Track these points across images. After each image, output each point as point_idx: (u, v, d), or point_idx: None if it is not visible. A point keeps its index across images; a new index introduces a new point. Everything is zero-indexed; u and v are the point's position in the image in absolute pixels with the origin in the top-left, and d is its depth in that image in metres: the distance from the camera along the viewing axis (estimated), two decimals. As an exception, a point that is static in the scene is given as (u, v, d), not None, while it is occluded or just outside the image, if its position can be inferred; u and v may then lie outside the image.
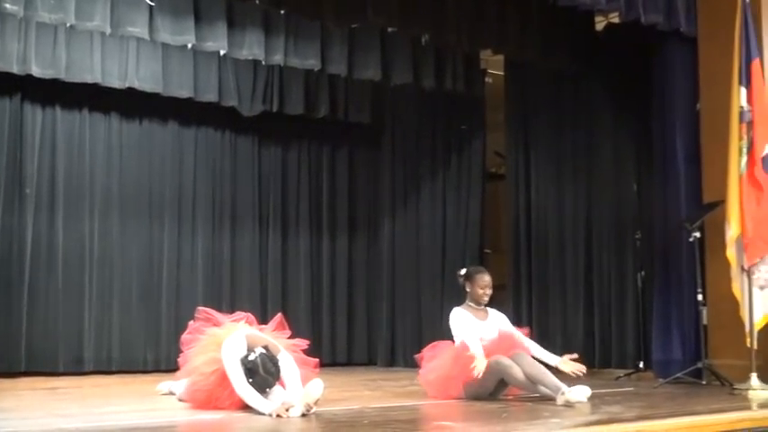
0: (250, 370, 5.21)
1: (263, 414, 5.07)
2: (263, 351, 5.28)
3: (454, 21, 7.76)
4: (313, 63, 8.53)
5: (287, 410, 5.02)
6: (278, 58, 8.40)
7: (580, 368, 6.06)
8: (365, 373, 8.99)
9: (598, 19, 8.57)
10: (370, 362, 10.36)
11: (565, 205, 8.89)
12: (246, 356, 5.25)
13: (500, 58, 9.42)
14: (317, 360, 5.89)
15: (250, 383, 5.20)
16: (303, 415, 5.03)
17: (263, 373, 5.21)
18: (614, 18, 8.14)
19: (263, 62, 8.62)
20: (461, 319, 6.23)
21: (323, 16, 7.66)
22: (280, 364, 5.32)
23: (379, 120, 10.56)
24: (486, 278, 6.35)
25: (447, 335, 6.36)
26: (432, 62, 8.92)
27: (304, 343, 5.85)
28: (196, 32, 7.83)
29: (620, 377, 7.77)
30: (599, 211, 8.64)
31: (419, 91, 9.50)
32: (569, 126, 8.94)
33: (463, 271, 6.50)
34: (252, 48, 8.16)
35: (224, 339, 5.42)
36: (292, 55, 8.43)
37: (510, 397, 6.07)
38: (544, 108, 9.17)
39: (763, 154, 6.72)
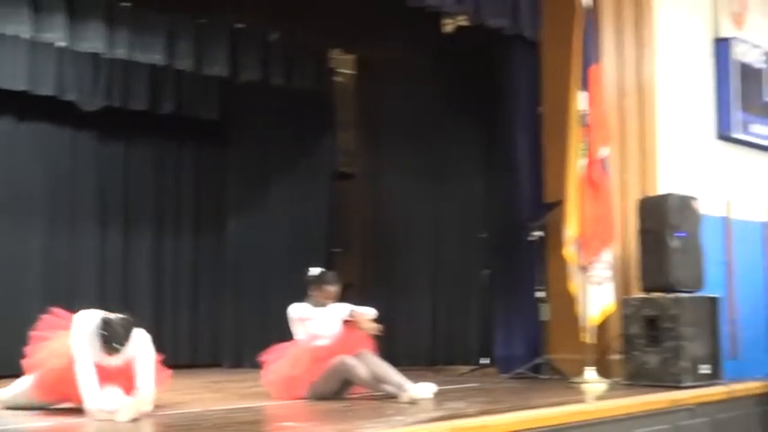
0: (103, 321, 5.03)
1: (88, 406, 4.90)
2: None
3: (303, 19, 7.73)
4: (158, 58, 8.31)
5: (113, 413, 4.82)
6: (121, 52, 8.14)
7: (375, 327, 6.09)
8: (209, 375, 8.81)
9: (448, 21, 8.69)
10: (214, 363, 10.16)
11: (413, 205, 8.99)
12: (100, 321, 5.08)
13: (351, 56, 9.45)
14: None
15: (100, 334, 5.00)
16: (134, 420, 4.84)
17: (116, 326, 5.03)
18: (463, 21, 8.27)
19: (106, 55, 8.34)
20: (300, 312, 6.20)
21: (169, 10, 7.48)
22: (137, 345, 5.14)
23: (228, 117, 10.39)
24: (332, 289, 6.31)
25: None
26: (281, 59, 8.85)
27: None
28: (33, 23, 7.49)
29: (463, 373, 7.90)
30: (446, 211, 8.78)
31: (269, 88, 9.40)
32: (418, 126, 9.04)
33: (314, 272, 6.44)
34: (94, 41, 7.88)
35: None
36: (137, 49, 8.18)
37: (355, 396, 6.06)
38: (394, 108, 9.24)
39: (601, 156, 6.98)
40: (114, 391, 5.09)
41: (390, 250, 9.05)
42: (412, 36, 8.33)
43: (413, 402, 5.56)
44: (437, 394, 5.77)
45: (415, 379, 5.87)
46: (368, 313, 6.18)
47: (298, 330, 6.22)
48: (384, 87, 9.34)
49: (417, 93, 9.06)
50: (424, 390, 5.69)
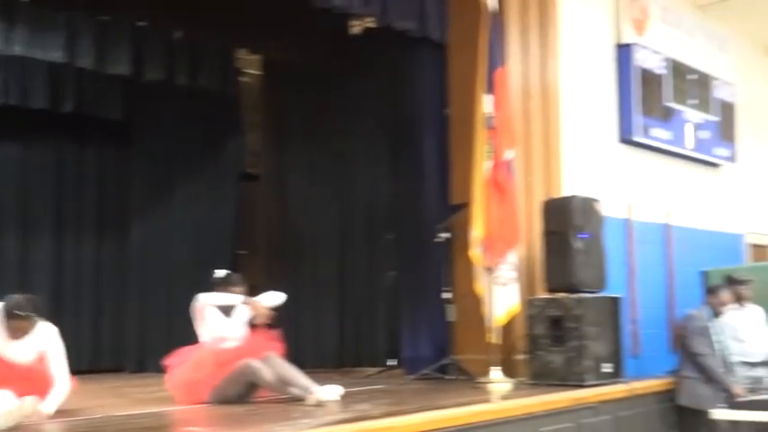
0: (4, 299, 5.00)
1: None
2: None
3: (209, 18, 7.62)
4: (58, 56, 8.09)
5: None
6: (19, 49, 7.89)
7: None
8: (112, 381, 8.61)
9: (355, 22, 8.68)
10: (117, 368, 9.93)
11: (319, 206, 8.96)
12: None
13: (258, 57, 9.36)
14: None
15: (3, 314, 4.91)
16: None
17: (18, 299, 5.07)
18: (370, 23, 8.26)
19: (2, 53, 8.07)
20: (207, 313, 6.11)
21: (69, 7, 7.28)
22: (47, 339, 5.05)
23: (133, 117, 10.18)
24: (237, 291, 6.22)
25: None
26: (185, 59, 8.71)
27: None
28: None
29: (370, 375, 7.88)
30: (353, 213, 8.76)
31: (174, 88, 9.23)
32: (326, 127, 9.01)
33: (220, 274, 6.34)
34: (-11, 37, 7.64)
35: None
36: (35, 46, 7.95)
37: (261, 399, 5.98)
38: (301, 109, 9.18)
39: (506, 158, 7.04)
40: (4, 394, 4.90)
41: (296, 252, 8.99)
42: (319, 37, 8.28)
43: (319, 405, 5.53)
44: (343, 396, 5.74)
45: (322, 381, 5.84)
46: (265, 300, 6.12)
47: (203, 332, 6.11)
48: (291, 88, 9.27)
49: (324, 94, 9.02)
50: (331, 392, 5.65)
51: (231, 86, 9.44)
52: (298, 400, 5.71)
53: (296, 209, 9.07)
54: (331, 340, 8.50)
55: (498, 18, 7.30)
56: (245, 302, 6.10)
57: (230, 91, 9.44)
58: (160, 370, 6.27)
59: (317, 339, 8.54)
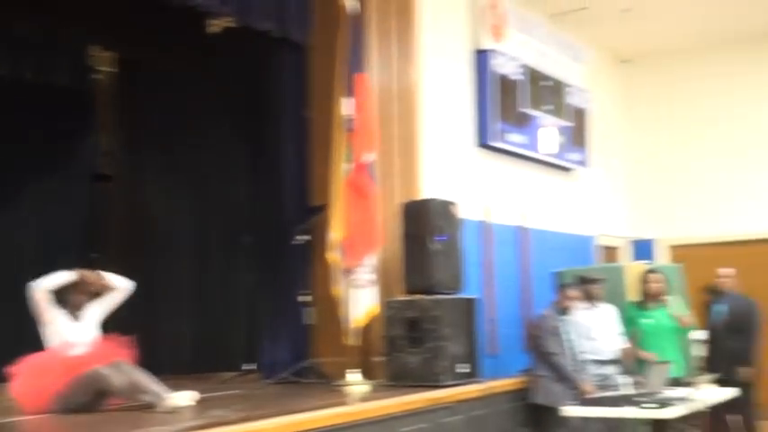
0: None
1: None
2: None
3: (58, 12, 7.32)
4: None
5: None
6: None
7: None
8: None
9: (214, 21, 8.51)
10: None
11: (177, 208, 8.76)
12: None
13: (112, 54, 9.05)
14: None
15: None
16: None
17: None
18: (229, 22, 8.12)
19: None
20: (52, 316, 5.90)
21: None
22: None
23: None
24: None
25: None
26: (33, 53, 8.33)
27: None
28: None
29: (227, 380, 7.75)
30: (211, 215, 8.61)
31: (22, 84, 8.82)
32: (182, 128, 8.81)
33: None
34: None
35: None
36: None
37: (112, 407, 5.79)
38: (157, 108, 8.95)
39: (365, 161, 7.06)
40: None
41: (152, 256, 8.76)
42: (176, 36, 8.09)
43: (172, 411, 5.39)
44: (198, 402, 5.62)
45: (177, 387, 5.69)
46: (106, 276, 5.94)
47: (50, 337, 5.88)
48: (147, 87, 9.03)
49: (182, 94, 8.82)
50: (184, 398, 5.53)
51: (84, 84, 9.09)
52: (150, 407, 5.55)
53: (151, 211, 8.84)
54: (188, 345, 8.33)
55: (358, 21, 7.30)
56: (78, 275, 5.92)
57: (82, 88, 9.10)
58: (3, 378, 5.99)
59: (173, 344, 8.34)
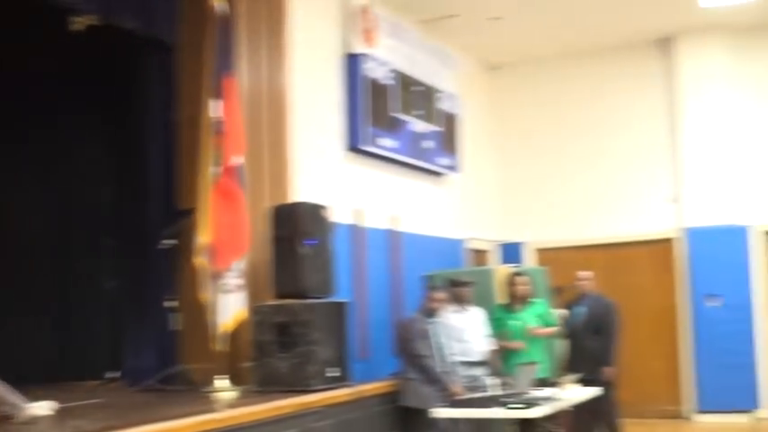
0: None
1: None
2: None
3: None
4: None
5: None
6: None
7: None
8: None
9: (78, 19, 8.25)
10: None
11: (35, 211, 8.43)
12: None
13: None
14: None
15: None
16: None
17: None
18: (94, 20, 7.88)
19: None
20: None
21: None
22: None
23: None
24: None
25: None
26: None
27: None
28: None
29: (89, 388, 7.51)
30: (73, 218, 8.33)
31: None
32: (46, 127, 8.49)
33: None
34: None
35: None
36: None
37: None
38: (16, 108, 8.59)
39: (234, 164, 6.96)
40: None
41: (8, 260, 8.41)
42: (38, 32, 7.80)
43: (31, 422, 5.18)
44: (58, 412, 5.42)
45: (36, 397, 5.47)
46: None
47: None
48: (7, 85, 8.67)
49: (45, 93, 8.51)
50: (43, 408, 5.33)
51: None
52: (6, 418, 5.32)
53: (8, 214, 8.48)
54: (47, 353, 8.02)
55: (228, 22, 7.20)
56: None
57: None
58: None
59: (32, 352, 8.02)
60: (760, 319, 10.89)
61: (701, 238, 11.05)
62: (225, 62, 7.08)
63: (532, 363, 7.50)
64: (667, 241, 11.37)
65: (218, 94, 6.98)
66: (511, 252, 11.73)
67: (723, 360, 10.73)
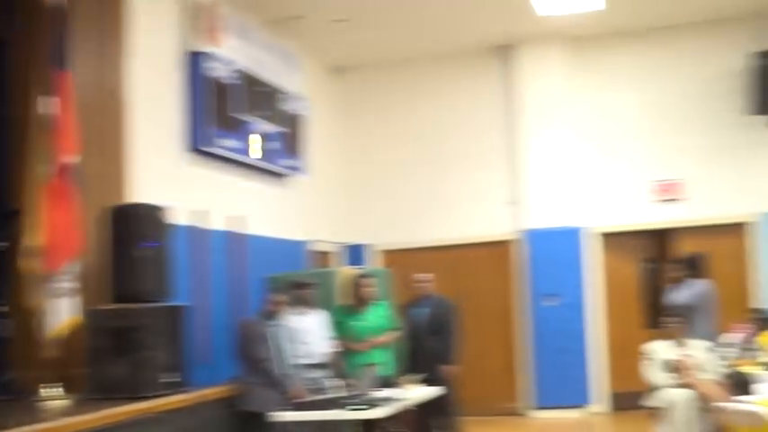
0: None
1: None
2: None
3: None
4: None
5: None
6: None
7: None
8: None
9: None
10: None
11: None
12: None
13: None
14: None
15: None
16: None
17: None
18: None
19: None
20: None
21: None
22: None
23: None
24: None
25: None
26: None
27: None
28: None
29: None
30: None
31: None
32: None
33: None
34: None
35: None
36: None
37: None
38: None
39: (66, 164, 6.69)
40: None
41: None
42: None
43: None
44: None
45: None
46: None
47: None
48: None
49: None
50: None
51: None
52: None
53: None
54: None
55: (62, 15, 6.91)
56: None
57: None
58: None
59: None
60: (592, 318, 11.34)
61: (538, 239, 11.42)
62: (58, 57, 6.79)
63: (374, 364, 7.56)
64: (506, 243, 11.70)
65: (50, 90, 6.70)
66: (356, 254, 11.81)
67: (559, 358, 11.13)
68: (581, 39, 11.38)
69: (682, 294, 8.41)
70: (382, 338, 8.25)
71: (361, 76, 12.21)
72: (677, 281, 8.63)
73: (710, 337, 7.80)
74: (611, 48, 11.53)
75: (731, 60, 10.95)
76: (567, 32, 11.26)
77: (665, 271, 9.02)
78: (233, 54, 9.08)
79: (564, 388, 11.15)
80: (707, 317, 8.20)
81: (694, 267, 8.61)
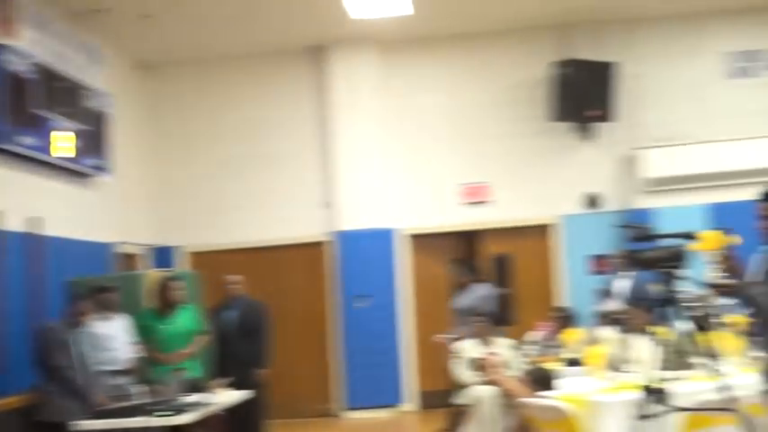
0: None
1: None
2: None
3: None
4: None
5: None
6: None
7: None
8: None
9: None
10: None
11: None
12: None
13: None
14: None
15: None
16: None
17: None
18: None
19: None
20: None
21: None
22: None
23: None
24: None
25: None
26: None
27: None
28: None
29: None
30: None
31: None
32: None
33: None
34: None
35: None
36: None
37: None
38: None
39: None
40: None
41: None
42: None
43: None
44: None
45: None
46: None
47: None
48: None
49: None
50: None
51: None
52: None
53: None
54: None
55: None
56: None
57: None
58: None
59: None
60: (403, 319, 11.51)
61: (350, 241, 11.49)
62: None
63: (182, 368, 7.38)
64: (320, 244, 11.71)
65: None
66: (164, 256, 11.50)
67: (371, 359, 11.24)
68: (392, 43, 11.54)
69: (466, 298, 8.79)
70: (189, 349, 8.04)
71: (172, 73, 11.90)
72: (463, 285, 9.00)
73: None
74: (421, 53, 11.75)
75: (534, 69, 11.37)
76: (378, 36, 11.39)
77: (452, 276, 9.40)
78: (31, 47, 8.63)
79: (376, 388, 11.27)
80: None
81: (476, 272, 9.06)
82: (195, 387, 7.40)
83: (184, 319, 8.14)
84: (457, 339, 8.11)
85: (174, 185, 11.81)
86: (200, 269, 10.37)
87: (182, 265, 11.43)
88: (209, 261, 11.22)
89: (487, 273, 9.45)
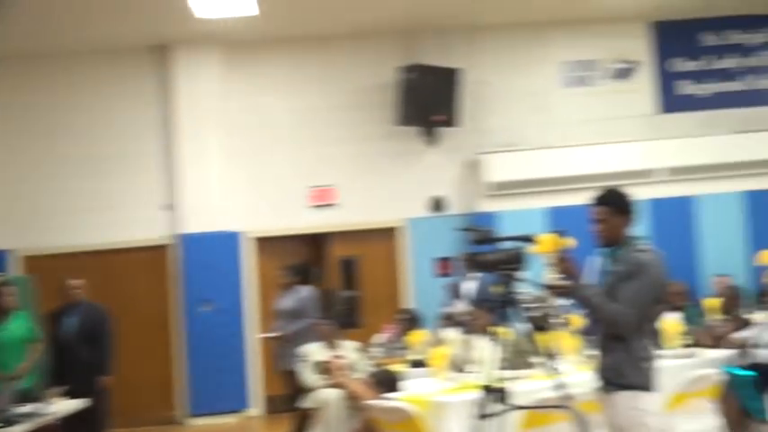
0: None
1: None
2: None
3: None
4: None
5: None
6: None
7: None
8: None
9: None
10: None
11: None
12: None
13: None
14: None
15: None
16: None
17: None
18: None
19: None
20: None
21: None
22: None
23: None
24: None
25: None
26: None
27: None
28: None
29: None
30: None
31: None
32: None
33: None
34: None
35: None
36: None
37: None
38: None
39: None
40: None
41: None
42: None
43: None
44: None
45: None
46: None
47: None
48: None
49: None
50: None
51: None
52: None
53: None
54: None
55: None
56: None
57: None
58: None
59: None
60: (250, 322, 11.38)
61: (194, 244, 11.26)
62: None
63: (12, 376, 7.05)
64: (163, 248, 11.43)
65: None
66: (-5, 260, 10.97)
67: (215, 364, 11.05)
68: (237, 43, 11.40)
69: (287, 300, 8.85)
70: (26, 364, 7.68)
71: (10, 67, 11.33)
72: (287, 287, 9.00)
73: (314, 339, 8.01)
74: (266, 54, 11.66)
75: (381, 73, 11.45)
76: (224, 36, 11.22)
77: (279, 278, 9.40)
78: None
79: (221, 393, 11.09)
80: (309, 321, 8.57)
81: (302, 274, 9.09)
82: (28, 397, 7.07)
83: (16, 327, 7.79)
84: (278, 339, 8.59)
85: (4, 186, 11.25)
86: (36, 273, 9.94)
87: (14, 270, 10.91)
88: (46, 265, 10.74)
89: (330, 276, 9.43)
